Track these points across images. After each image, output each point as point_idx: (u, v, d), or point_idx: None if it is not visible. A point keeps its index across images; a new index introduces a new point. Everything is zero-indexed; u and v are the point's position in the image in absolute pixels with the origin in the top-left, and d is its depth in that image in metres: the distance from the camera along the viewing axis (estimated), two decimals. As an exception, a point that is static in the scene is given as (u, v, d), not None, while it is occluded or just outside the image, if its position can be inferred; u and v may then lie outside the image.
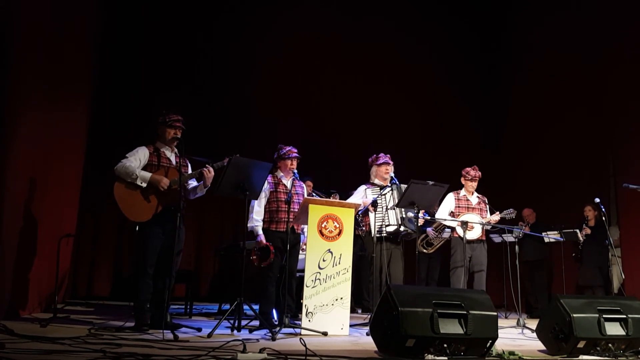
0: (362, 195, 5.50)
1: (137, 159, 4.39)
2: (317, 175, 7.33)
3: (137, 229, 4.43)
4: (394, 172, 5.54)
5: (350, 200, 5.46)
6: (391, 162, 5.54)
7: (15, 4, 4.67)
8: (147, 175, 4.34)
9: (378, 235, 5.23)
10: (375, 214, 5.27)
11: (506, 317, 6.95)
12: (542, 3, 8.72)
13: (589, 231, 7.01)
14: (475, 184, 5.96)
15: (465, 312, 3.28)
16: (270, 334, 4.07)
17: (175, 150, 4.60)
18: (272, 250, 4.81)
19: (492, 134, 9.70)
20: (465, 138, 9.49)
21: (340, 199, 6.19)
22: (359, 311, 7.10)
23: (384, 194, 5.36)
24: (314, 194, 6.34)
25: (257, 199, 4.93)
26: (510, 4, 9.63)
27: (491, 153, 9.45)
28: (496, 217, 5.84)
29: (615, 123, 7.02)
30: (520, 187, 8.77)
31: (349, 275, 4.70)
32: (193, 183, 4.67)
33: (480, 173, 5.96)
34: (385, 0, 9.34)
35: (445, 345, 3.19)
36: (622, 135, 6.92)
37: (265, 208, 5.01)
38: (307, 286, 4.54)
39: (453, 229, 5.92)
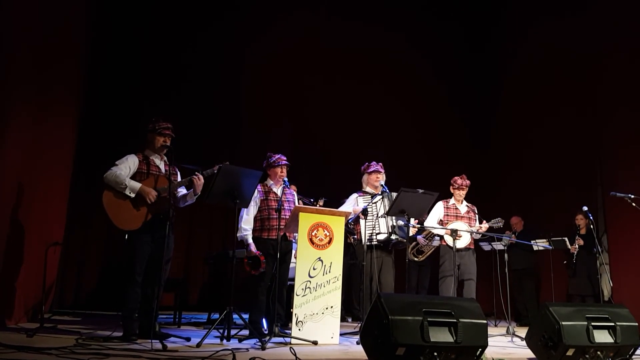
0: (353, 203, 5.51)
1: (127, 166, 4.37)
2: (308, 181, 7.33)
3: (126, 237, 4.39)
4: (386, 180, 5.56)
5: (342, 208, 5.47)
6: (382, 171, 5.57)
7: (4, 10, 4.65)
8: (137, 185, 4.31)
9: (369, 243, 5.23)
10: (365, 222, 5.27)
11: (496, 325, 6.97)
12: (533, 5, 8.82)
13: (582, 242, 7.01)
14: (463, 193, 6.00)
15: (455, 321, 3.28)
16: (260, 343, 4.05)
17: (165, 158, 4.58)
18: (262, 260, 4.78)
19: (483, 139, 9.77)
20: (456, 143, 9.55)
21: (329, 205, 6.19)
22: (349, 320, 7.08)
23: (375, 202, 5.38)
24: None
25: (247, 207, 4.91)
26: (501, 6, 9.73)
27: (481, 158, 9.51)
28: (485, 226, 5.87)
29: (604, 129, 7.09)
30: (508, 193, 8.84)
31: (339, 283, 4.69)
32: (182, 191, 4.65)
33: (468, 182, 6.00)
34: (375, 4, 9.40)
35: (435, 354, 3.18)
36: (610, 142, 6.98)
37: (256, 216, 4.99)
38: (297, 295, 4.52)
39: (442, 238, 5.95)
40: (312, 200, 6.46)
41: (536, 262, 7.76)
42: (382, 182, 5.49)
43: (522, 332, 4.68)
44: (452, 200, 6.04)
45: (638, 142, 6.48)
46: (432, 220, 5.94)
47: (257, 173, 4.60)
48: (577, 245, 7.02)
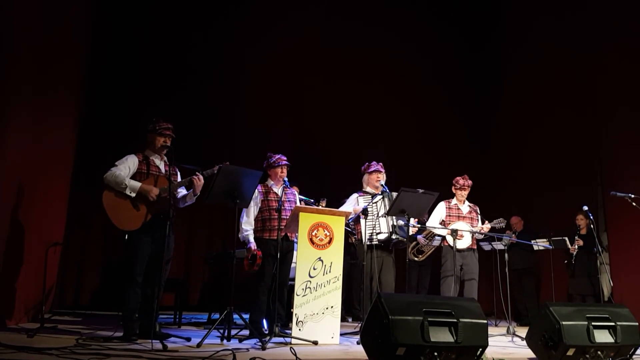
0: (353, 203, 5.52)
1: (127, 167, 4.36)
2: (308, 182, 7.33)
3: (126, 237, 4.39)
4: (386, 180, 5.56)
5: (342, 208, 5.47)
6: (382, 170, 5.57)
7: (4, 10, 4.65)
8: (137, 185, 4.31)
9: (369, 243, 5.24)
10: (366, 221, 5.28)
11: (496, 325, 6.97)
12: (533, 5, 8.81)
13: (581, 243, 7.02)
14: (464, 193, 6.00)
15: (455, 320, 3.28)
16: (260, 344, 4.05)
17: (165, 158, 4.58)
18: (259, 255, 4.79)
19: (483, 139, 9.76)
20: (456, 143, 9.56)
21: (329, 205, 6.19)
22: (350, 320, 7.08)
23: (375, 202, 5.38)
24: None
25: (247, 207, 4.91)
26: (501, 5, 9.73)
27: (481, 158, 9.52)
28: (487, 226, 5.88)
29: (604, 129, 7.08)
30: (510, 193, 8.83)
31: (340, 283, 4.69)
32: (182, 191, 4.65)
33: (470, 182, 6.00)
34: (375, 4, 9.41)
35: (435, 354, 3.18)
36: (610, 142, 6.97)
37: (257, 217, 4.99)
38: (297, 295, 4.52)
39: (443, 238, 5.95)
40: (312, 201, 6.46)
41: (536, 262, 7.78)
42: (383, 182, 5.49)
43: (523, 331, 4.68)
44: (454, 201, 6.04)
45: (638, 142, 6.48)
46: (434, 221, 5.94)
47: (257, 173, 4.59)
48: (576, 246, 7.02)
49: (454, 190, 6.05)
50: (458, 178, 6.03)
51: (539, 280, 8.00)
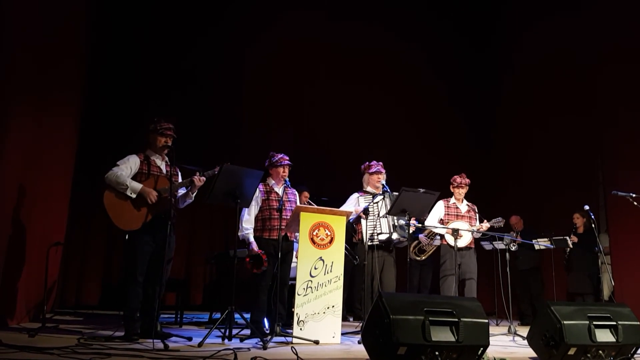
0: (354, 203, 5.51)
1: (128, 167, 4.36)
2: (310, 184, 7.33)
3: (127, 237, 4.39)
4: (387, 179, 5.56)
5: (343, 208, 5.47)
6: (383, 170, 5.56)
7: (4, 10, 4.65)
8: (138, 186, 4.31)
9: (370, 243, 5.24)
10: (367, 221, 5.28)
11: (497, 325, 6.97)
12: (533, 5, 8.81)
13: (575, 239, 7.03)
14: (462, 191, 6.00)
15: (456, 320, 3.28)
16: (261, 343, 4.05)
17: (166, 158, 4.58)
18: (264, 258, 4.78)
19: (483, 140, 9.77)
20: (456, 143, 9.56)
21: (332, 206, 6.18)
22: (351, 319, 7.08)
23: (376, 202, 5.38)
24: (307, 204, 6.32)
25: (248, 207, 4.91)
26: (501, 5, 9.74)
27: (481, 158, 9.52)
28: (485, 225, 5.88)
29: (605, 129, 7.08)
30: (510, 193, 8.83)
31: (341, 283, 4.69)
32: (182, 191, 4.64)
33: (468, 180, 6.00)
34: (375, 4, 9.41)
35: (437, 353, 3.18)
36: (611, 141, 6.98)
37: (257, 216, 4.98)
38: (298, 294, 4.52)
39: (442, 237, 5.95)
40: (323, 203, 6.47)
41: (540, 262, 7.73)
42: (383, 182, 5.49)
43: (524, 331, 4.68)
44: (452, 200, 6.04)
45: (638, 141, 6.48)
46: (432, 220, 5.94)
47: (258, 173, 4.59)
48: (570, 243, 7.02)
49: (452, 189, 6.06)
50: (456, 176, 6.04)
51: (542, 280, 7.97)
